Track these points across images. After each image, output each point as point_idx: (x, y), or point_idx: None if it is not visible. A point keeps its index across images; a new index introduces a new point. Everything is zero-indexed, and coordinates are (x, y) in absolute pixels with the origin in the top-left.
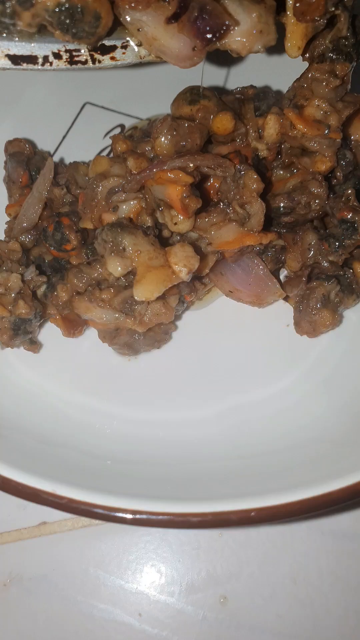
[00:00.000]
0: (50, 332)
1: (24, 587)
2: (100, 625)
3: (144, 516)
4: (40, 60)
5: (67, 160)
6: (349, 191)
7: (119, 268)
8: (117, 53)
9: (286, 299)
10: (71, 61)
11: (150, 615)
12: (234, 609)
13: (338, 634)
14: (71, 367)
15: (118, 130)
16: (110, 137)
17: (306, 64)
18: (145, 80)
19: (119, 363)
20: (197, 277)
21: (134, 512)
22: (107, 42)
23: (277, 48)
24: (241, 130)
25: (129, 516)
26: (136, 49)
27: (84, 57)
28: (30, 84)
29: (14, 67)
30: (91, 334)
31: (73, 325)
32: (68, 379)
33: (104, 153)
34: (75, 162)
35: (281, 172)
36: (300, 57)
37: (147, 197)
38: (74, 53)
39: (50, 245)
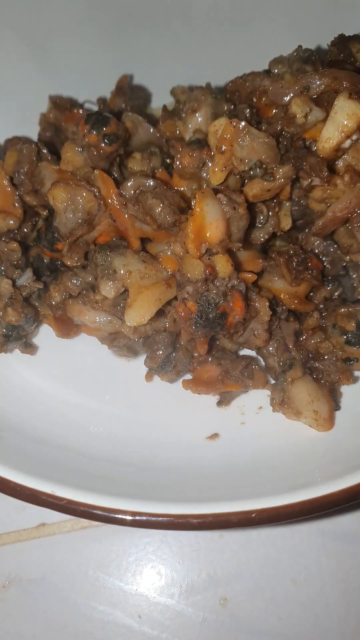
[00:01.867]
0: (50, 333)
1: (23, 588)
2: (100, 626)
3: (144, 517)
4: None
5: None
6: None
7: (112, 291)
8: None
9: None
10: None
11: (150, 617)
12: (234, 611)
13: (339, 635)
14: (71, 368)
15: None
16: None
17: None
18: (145, 79)
19: (119, 364)
20: None
21: (133, 514)
22: None
23: None
24: None
25: (129, 517)
26: None
27: None
28: (26, 82)
29: None
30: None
31: (67, 325)
32: (68, 380)
33: None
34: None
35: None
36: None
37: None
38: None
39: (43, 246)
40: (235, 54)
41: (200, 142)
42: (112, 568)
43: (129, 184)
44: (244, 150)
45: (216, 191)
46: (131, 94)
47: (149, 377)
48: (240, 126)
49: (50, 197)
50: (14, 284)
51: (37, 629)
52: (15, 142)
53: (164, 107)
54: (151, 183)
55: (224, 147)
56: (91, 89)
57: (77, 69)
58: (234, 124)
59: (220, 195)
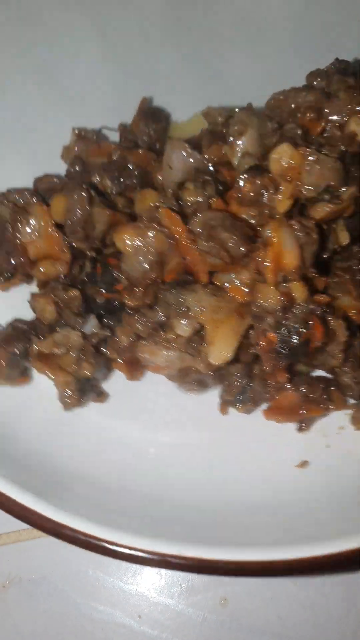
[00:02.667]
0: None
1: (23, 588)
2: (100, 627)
3: (245, 567)
4: None
5: None
6: None
7: (188, 329)
8: None
9: None
10: None
11: (150, 617)
12: (234, 611)
13: (339, 635)
14: (139, 408)
15: None
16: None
17: None
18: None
19: (190, 400)
20: None
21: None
22: None
23: None
24: None
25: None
26: None
27: None
28: (44, 116)
29: None
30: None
31: (136, 367)
32: (138, 421)
33: None
34: None
35: None
36: None
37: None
38: None
39: (100, 288)
40: (247, 71)
41: (259, 168)
42: (112, 568)
43: (197, 220)
44: (312, 177)
45: (288, 217)
46: (152, 116)
47: (224, 409)
48: (309, 156)
49: (117, 241)
50: (85, 337)
51: (37, 629)
52: (46, 181)
53: (208, 131)
54: (220, 216)
55: (290, 176)
56: (105, 115)
57: (87, 96)
58: (302, 152)
59: (292, 222)
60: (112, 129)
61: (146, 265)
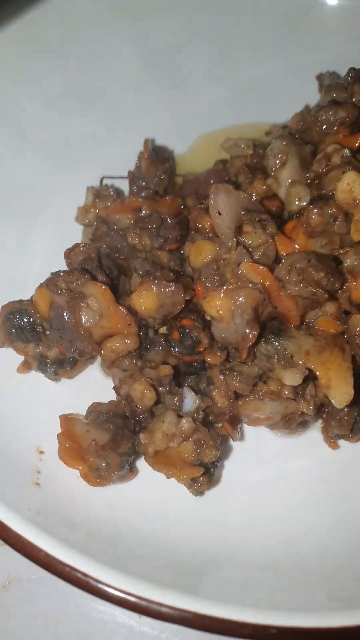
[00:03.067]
0: None
1: (23, 588)
2: (100, 626)
3: None
4: None
5: None
6: None
7: (298, 377)
8: None
9: None
10: None
11: None
12: None
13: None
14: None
15: None
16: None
17: None
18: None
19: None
20: None
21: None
22: None
23: None
24: None
25: None
26: None
27: None
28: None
29: None
30: None
31: (235, 425)
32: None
33: None
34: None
35: None
36: None
37: None
38: None
39: (180, 353)
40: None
41: (323, 198)
42: None
43: (282, 266)
44: None
45: None
46: (158, 157)
47: (334, 445)
48: None
49: (209, 310)
50: (193, 419)
51: (37, 628)
52: (79, 251)
53: (244, 166)
54: (303, 257)
55: None
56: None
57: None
58: None
59: None
60: (112, 177)
61: (243, 326)
